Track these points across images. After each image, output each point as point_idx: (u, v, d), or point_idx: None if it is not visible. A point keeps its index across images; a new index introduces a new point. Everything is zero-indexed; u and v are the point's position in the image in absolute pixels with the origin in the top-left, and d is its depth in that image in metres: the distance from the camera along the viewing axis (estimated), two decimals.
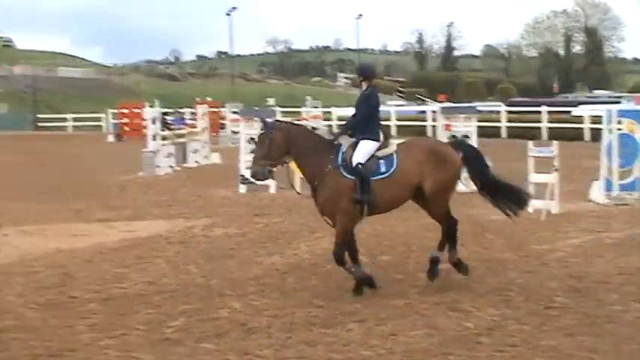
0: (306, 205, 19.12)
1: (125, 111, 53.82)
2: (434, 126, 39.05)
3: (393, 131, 48.81)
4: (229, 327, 9.29)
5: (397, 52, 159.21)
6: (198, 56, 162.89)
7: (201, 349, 8.61)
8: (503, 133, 45.24)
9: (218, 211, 18.31)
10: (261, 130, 10.87)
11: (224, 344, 8.72)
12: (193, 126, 34.29)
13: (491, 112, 48.58)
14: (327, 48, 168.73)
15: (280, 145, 10.67)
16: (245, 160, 22.13)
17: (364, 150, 10.63)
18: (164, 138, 28.72)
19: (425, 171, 10.67)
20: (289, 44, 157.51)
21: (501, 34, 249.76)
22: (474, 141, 21.17)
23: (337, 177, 10.56)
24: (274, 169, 10.83)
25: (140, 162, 27.69)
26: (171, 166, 28.28)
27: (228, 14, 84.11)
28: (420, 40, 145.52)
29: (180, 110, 36.86)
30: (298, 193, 11.53)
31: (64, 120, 68.26)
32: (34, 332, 9.21)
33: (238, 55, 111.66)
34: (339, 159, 10.64)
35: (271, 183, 21.97)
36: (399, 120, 50.63)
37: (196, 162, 30.58)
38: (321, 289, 10.92)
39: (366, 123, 10.80)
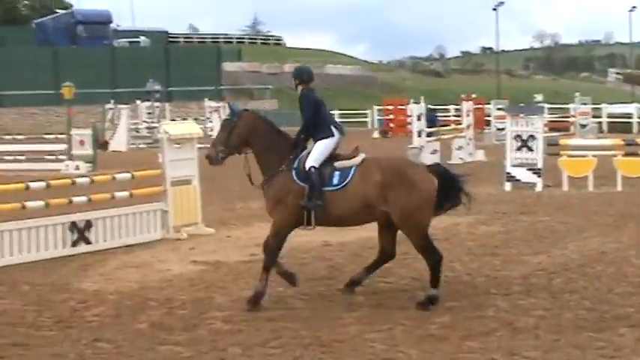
0: (575, 204, 18.68)
1: (390, 107, 54.43)
2: None
3: None
4: (495, 326, 9.20)
5: None
6: (462, 52, 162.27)
7: (466, 347, 8.56)
8: None
9: (482, 209, 18.11)
10: (227, 115, 10.73)
11: (490, 343, 8.64)
12: (458, 123, 34.17)
13: None
14: (596, 42, 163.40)
15: (241, 135, 10.50)
16: (512, 158, 21.91)
17: (318, 151, 10.29)
18: (429, 134, 28.84)
19: (386, 195, 10.01)
20: (557, 38, 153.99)
21: None
22: None
23: (287, 179, 10.27)
24: (227, 157, 10.56)
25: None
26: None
27: (494, 9, 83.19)
28: None
29: (431, 107, 36.62)
30: (252, 183, 10.72)
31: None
32: (304, 322, 9.50)
33: (503, 51, 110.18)
34: (296, 162, 10.30)
35: (537, 181, 21.61)
36: None
37: (460, 159, 30.47)
38: (589, 291, 10.60)
39: (313, 124, 10.48)
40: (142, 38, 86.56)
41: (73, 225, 13.96)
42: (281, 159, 10.38)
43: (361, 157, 10.36)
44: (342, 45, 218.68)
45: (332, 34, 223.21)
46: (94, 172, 27.03)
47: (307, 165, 10.20)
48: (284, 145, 10.51)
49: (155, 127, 39.97)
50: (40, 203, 13.86)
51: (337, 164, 10.26)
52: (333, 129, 10.46)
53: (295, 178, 10.23)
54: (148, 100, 48.72)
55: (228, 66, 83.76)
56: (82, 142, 31.34)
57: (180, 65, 73.42)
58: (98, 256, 13.70)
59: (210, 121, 41.92)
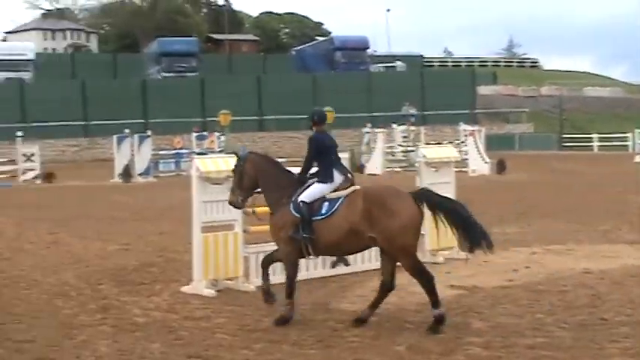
0: None
1: None
2: None
3: None
4: None
5: None
6: None
7: None
8: None
9: None
10: (237, 162, 11.33)
11: None
12: None
13: None
14: None
15: (250, 177, 11.16)
16: None
17: (311, 191, 10.75)
18: None
19: (370, 221, 10.29)
20: None
21: None
22: None
23: (285, 211, 10.80)
24: (246, 199, 11.38)
25: None
26: None
27: None
28: None
29: None
30: (259, 219, 11.92)
31: (590, 140, 68.21)
32: (565, 351, 9.25)
33: None
34: (294, 197, 10.77)
35: None
36: None
37: None
38: None
39: (315, 165, 10.98)
40: (398, 63, 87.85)
41: None
42: (283, 193, 10.97)
43: (352, 188, 10.75)
44: (600, 67, 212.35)
45: (590, 56, 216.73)
46: None
47: (298, 199, 10.74)
48: (286, 180, 11.11)
49: (411, 151, 40.33)
50: None
51: (328, 195, 10.74)
52: (335, 173, 10.84)
53: (292, 210, 10.74)
54: (404, 124, 49.26)
55: (483, 89, 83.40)
56: None
57: (435, 89, 73.92)
58: (356, 277, 13.95)
59: (465, 145, 41.75)
